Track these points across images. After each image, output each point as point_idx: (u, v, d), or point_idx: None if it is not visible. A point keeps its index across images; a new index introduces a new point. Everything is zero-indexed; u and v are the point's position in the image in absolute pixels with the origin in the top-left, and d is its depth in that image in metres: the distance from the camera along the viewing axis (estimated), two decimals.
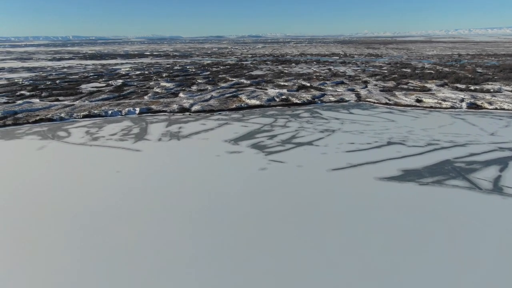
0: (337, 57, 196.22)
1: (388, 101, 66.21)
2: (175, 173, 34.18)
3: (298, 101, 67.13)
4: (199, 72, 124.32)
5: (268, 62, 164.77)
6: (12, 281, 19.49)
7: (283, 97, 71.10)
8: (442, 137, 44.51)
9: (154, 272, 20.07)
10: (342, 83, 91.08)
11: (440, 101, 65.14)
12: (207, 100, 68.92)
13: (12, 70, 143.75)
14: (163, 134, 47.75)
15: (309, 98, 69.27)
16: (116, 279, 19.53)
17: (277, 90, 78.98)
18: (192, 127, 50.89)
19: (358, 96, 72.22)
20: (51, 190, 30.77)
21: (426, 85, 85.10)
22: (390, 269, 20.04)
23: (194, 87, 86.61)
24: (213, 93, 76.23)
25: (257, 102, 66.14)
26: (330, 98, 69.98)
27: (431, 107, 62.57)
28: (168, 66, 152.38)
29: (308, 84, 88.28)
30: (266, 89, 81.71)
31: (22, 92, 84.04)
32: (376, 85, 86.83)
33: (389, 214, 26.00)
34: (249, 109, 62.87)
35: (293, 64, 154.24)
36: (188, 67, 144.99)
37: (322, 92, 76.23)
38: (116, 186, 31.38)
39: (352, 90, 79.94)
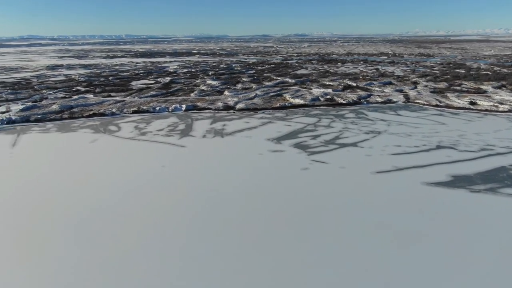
0: (386, 57, 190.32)
1: (439, 103, 63.35)
2: (218, 169, 34.76)
3: (343, 101, 65.91)
4: (244, 70, 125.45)
5: (314, 61, 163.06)
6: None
7: (328, 97, 70.11)
8: (497, 142, 41.94)
9: (206, 272, 20.49)
10: (390, 83, 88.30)
11: (496, 104, 61.37)
12: (251, 99, 69.40)
13: (69, 67, 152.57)
14: (208, 131, 48.69)
15: (355, 99, 67.81)
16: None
17: (321, 90, 78.03)
18: (235, 125, 51.47)
19: (407, 97, 69.68)
20: (101, 181, 32.35)
21: (481, 87, 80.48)
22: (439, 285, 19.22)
23: (239, 86, 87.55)
24: (258, 92, 76.61)
25: (301, 102, 65.70)
26: (377, 99, 68.09)
27: (486, 110, 59.07)
28: (214, 64, 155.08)
29: (354, 84, 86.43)
30: (311, 89, 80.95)
31: (78, 87, 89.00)
32: (426, 86, 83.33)
33: (436, 221, 24.91)
34: (293, 108, 62.59)
35: (339, 63, 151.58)
36: (233, 65, 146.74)
37: (369, 93, 74.33)
38: (161, 180, 32.41)
39: (401, 91, 77.26)
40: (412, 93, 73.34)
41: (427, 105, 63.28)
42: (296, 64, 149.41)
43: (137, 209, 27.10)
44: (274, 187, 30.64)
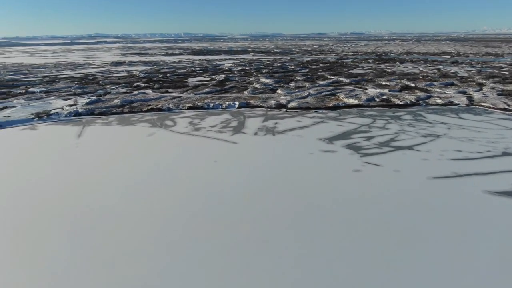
0: (448, 56, 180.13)
1: (507, 107, 58.94)
2: (268, 167, 34.95)
3: (400, 102, 63.45)
4: (298, 69, 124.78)
5: (370, 61, 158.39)
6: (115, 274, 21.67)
7: (384, 97, 67.84)
8: None
9: (241, 274, 20.76)
10: (452, 84, 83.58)
11: None
12: (304, 97, 68.93)
13: (131, 63, 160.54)
14: (259, 128, 49.08)
15: (413, 100, 65.00)
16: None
17: (377, 90, 75.64)
18: (287, 123, 51.41)
19: (471, 99, 65.59)
20: (154, 173, 33.79)
21: None
22: None
23: (292, 84, 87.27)
24: (311, 91, 75.91)
25: (355, 102, 64.15)
26: (437, 101, 64.76)
27: None
28: (268, 62, 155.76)
29: (413, 85, 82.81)
30: (366, 89, 78.77)
31: (138, 83, 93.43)
32: (493, 88, 77.85)
33: (497, 231, 23.27)
34: (347, 108, 61.32)
35: (397, 63, 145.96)
36: (287, 64, 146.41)
37: (428, 94, 70.88)
38: (213, 175, 33.20)
39: (464, 92, 72.86)
40: (476, 95, 68.90)
41: (493, 108, 59.14)
42: (352, 63, 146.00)
43: (189, 200, 27.99)
44: (324, 188, 30.24)
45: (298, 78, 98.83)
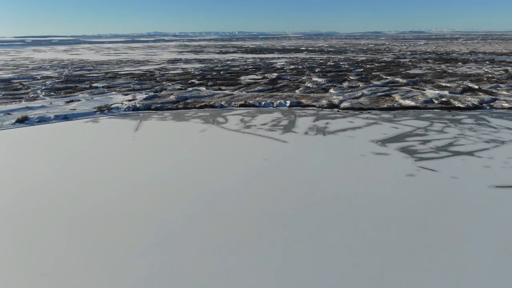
0: None
1: None
2: (317, 167, 34.56)
3: (461, 105, 59.93)
4: (352, 68, 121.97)
5: (430, 60, 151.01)
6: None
7: (443, 99, 64.41)
8: None
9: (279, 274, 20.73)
10: None
11: None
12: (357, 98, 67.25)
13: (187, 61, 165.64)
14: (310, 128, 48.63)
15: (475, 103, 61.10)
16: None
17: (436, 91, 71.99)
18: (339, 124, 50.47)
19: None
20: (204, 168, 34.63)
21: None
22: None
23: (345, 84, 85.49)
24: (365, 91, 73.89)
25: (412, 103, 61.52)
26: (503, 104, 60.39)
27: None
28: (321, 61, 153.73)
29: (476, 87, 77.86)
30: (424, 90, 75.23)
31: (193, 80, 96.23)
32: None
33: None
34: (402, 109, 58.97)
35: (459, 63, 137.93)
36: (341, 63, 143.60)
37: (493, 97, 66.30)
38: (262, 173, 33.41)
39: None
40: None
41: None
42: (409, 63, 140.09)
43: (239, 196, 28.40)
44: (375, 192, 29.36)
45: (351, 77, 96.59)
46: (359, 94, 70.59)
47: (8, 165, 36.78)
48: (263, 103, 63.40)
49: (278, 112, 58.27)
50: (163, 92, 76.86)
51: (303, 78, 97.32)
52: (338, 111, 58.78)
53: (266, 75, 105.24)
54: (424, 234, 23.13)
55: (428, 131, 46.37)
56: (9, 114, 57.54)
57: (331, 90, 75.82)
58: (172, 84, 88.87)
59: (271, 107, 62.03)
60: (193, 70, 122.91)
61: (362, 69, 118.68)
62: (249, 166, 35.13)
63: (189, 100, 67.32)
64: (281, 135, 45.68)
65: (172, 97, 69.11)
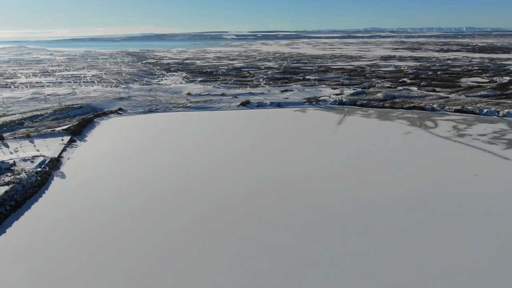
0: None
1: None
2: None
3: None
4: None
5: None
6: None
7: None
8: None
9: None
10: None
11: None
12: None
13: (401, 58, 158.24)
14: None
15: None
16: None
17: None
18: None
19: None
20: (403, 175, 32.73)
21: None
22: None
23: None
24: None
25: None
26: None
27: None
28: None
29: None
30: None
31: (404, 79, 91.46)
32: None
33: None
34: None
35: None
36: None
37: None
38: (473, 192, 29.40)
39: None
40: None
41: None
42: None
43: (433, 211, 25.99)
44: None
45: None
46: None
47: (216, 139, 44.99)
48: (485, 110, 54.90)
49: (503, 123, 49.41)
50: (371, 89, 75.99)
51: None
52: None
53: (494, 78, 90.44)
54: None
55: None
56: (236, 97, 68.48)
57: None
58: (382, 82, 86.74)
59: (495, 116, 53.10)
60: (406, 68, 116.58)
61: None
62: (461, 180, 31.43)
63: (397, 100, 64.40)
64: (502, 151, 38.70)
65: (379, 95, 67.52)
